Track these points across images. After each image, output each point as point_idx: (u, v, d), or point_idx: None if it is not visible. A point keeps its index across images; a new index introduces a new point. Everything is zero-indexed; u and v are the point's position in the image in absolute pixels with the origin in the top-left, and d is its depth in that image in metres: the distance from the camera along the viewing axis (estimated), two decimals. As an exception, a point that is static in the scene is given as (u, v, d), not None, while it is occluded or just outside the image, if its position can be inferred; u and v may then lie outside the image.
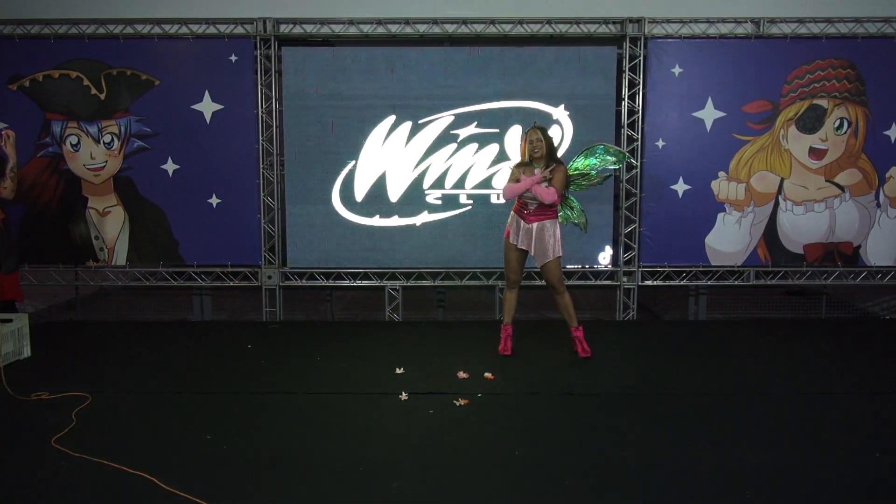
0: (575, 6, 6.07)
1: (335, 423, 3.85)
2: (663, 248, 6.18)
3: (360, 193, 6.12)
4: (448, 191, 6.10)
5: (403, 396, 4.22)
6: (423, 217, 6.13)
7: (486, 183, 6.08)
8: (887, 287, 6.48)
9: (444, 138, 6.04)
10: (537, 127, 4.76)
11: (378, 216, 6.15)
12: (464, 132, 6.02)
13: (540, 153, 4.70)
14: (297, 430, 3.77)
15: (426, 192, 6.11)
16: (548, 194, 4.61)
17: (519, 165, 4.85)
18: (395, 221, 6.14)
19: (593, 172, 4.94)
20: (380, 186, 6.11)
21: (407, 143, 6.05)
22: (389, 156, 6.07)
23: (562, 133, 6.01)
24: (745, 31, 6.01)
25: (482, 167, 6.06)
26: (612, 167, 5.03)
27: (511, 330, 5.08)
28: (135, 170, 6.13)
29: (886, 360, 5.02)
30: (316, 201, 6.12)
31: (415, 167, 6.08)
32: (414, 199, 6.11)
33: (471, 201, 6.11)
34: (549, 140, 4.74)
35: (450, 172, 6.07)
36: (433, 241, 6.14)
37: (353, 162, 6.07)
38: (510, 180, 4.80)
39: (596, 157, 4.93)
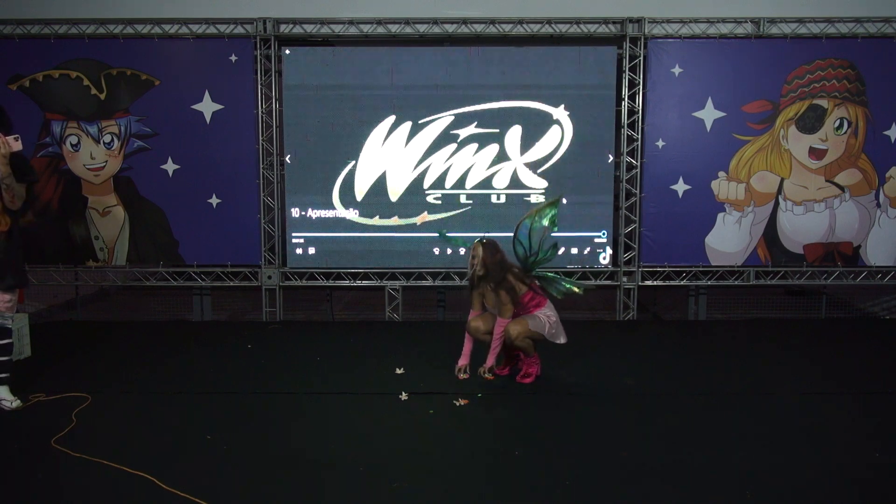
0: (575, 6, 6.07)
1: (335, 423, 3.85)
2: (663, 248, 6.18)
3: (360, 193, 6.12)
4: (448, 191, 6.10)
5: (403, 396, 4.22)
6: (424, 217, 6.13)
7: (487, 183, 6.07)
8: (887, 287, 6.48)
9: (444, 138, 6.03)
10: (480, 243, 4.34)
11: (378, 216, 6.15)
12: (464, 132, 6.02)
13: (481, 271, 4.33)
14: (297, 430, 3.77)
15: (426, 191, 6.10)
16: (499, 331, 4.33)
17: (473, 289, 4.47)
18: (395, 221, 6.15)
19: (542, 248, 4.44)
20: (380, 186, 6.11)
21: (407, 143, 6.05)
22: (389, 156, 6.07)
23: (562, 133, 6.01)
24: (745, 31, 6.01)
25: (482, 167, 6.05)
26: (551, 224, 4.46)
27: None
28: (135, 170, 6.12)
29: (886, 360, 5.02)
30: (316, 202, 6.13)
31: (415, 167, 6.08)
32: (414, 198, 6.11)
33: (471, 201, 6.11)
34: (492, 259, 4.30)
35: (450, 172, 6.07)
36: (433, 240, 6.15)
37: (354, 162, 6.07)
38: (473, 306, 4.52)
39: (529, 235, 4.44)
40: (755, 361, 4.98)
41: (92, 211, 6.18)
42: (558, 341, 4.48)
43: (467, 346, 4.60)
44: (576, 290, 4.50)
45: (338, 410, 4.05)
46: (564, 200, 5.90)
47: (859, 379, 4.59)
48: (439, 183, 6.09)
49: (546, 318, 4.41)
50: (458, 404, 4.09)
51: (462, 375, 4.53)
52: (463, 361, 4.57)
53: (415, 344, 5.44)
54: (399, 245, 6.16)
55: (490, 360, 4.48)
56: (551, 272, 4.60)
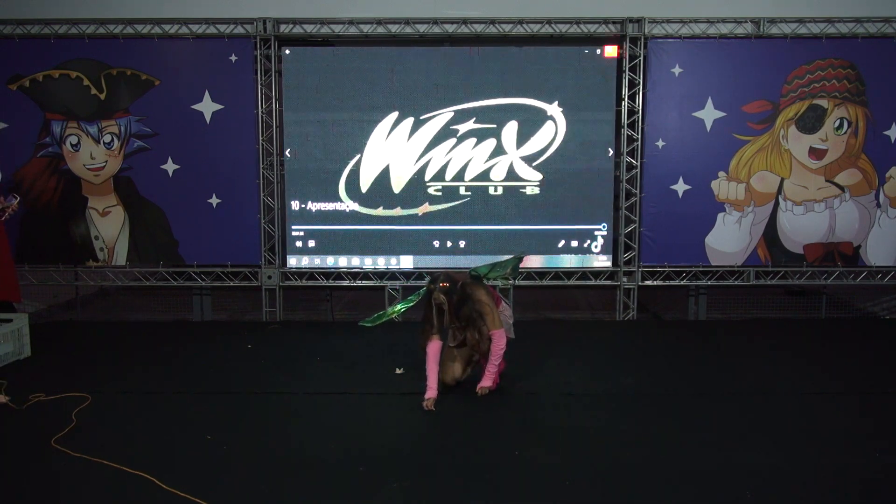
0: (575, 6, 6.07)
1: (335, 423, 3.85)
2: (663, 248, 6.18)
3: (364, 185, 6.17)
4: (448, 183, 6.14)
5: (403, 396, 4.22)
6: (425, 208, 6.18)
7: (485, 175, 6.13)
8: (887, 287, 6.48)
9: (445, 133, 6.08)
10: (438, 291, 4.08)
11: (382, 207, 6.19)
12: (463, 128, 6.07)
13: (449, 313, 4.14)
14: (297, 430, 3.77)
15: (427, 184, 6.15)
16: (500, 344, 4.17)
17: (432, 332, 4.15)
18: (398, 212, 6.19)
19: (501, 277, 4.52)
20: (384, 179, 6.16)
21: (409, 137, 6.09)
22: (392, 150, 6.11)
23: (555, 129, 6.04)
24: (745, 31, 6.01)
25: (480, 160, 6.11)
26: (513, 273, 4.56)
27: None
28: (135, 170, 6.12)
29: (886, 360, 5.02)
30: (317, 197, 6.16)
31: (416, 160, 6.12)
32: (416, 190, 6.16)
33: (469, 192, 6.16)
34: (456, 297, 4.12)
35: (450, 165, 6.13)
36: (433, 232, 6.20)
37: (359, 156, 6.12)
38: (454, 336, 4.30)
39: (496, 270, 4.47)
40: (755, 361, 4.98)
41: (92, 211, 6.18)
42: (509, 336, 4.37)
43: (434, 377, 4.14)
44: (518, 266, 4.54)
45: (338, 410, 4.05)
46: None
47: (859, 379, 4.59)
48: (440, 175, 6.13)
49: (504, 316, 4.34)
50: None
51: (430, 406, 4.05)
52: (432, 394, 4.09)
53: (415, 344, 5.42)
54: (401, 235, 6.22)
55: (487, 380, 4.22)
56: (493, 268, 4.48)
